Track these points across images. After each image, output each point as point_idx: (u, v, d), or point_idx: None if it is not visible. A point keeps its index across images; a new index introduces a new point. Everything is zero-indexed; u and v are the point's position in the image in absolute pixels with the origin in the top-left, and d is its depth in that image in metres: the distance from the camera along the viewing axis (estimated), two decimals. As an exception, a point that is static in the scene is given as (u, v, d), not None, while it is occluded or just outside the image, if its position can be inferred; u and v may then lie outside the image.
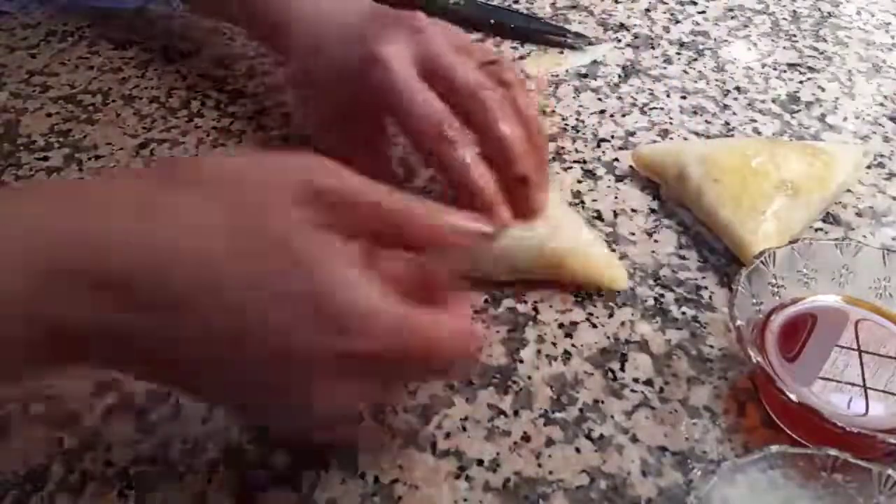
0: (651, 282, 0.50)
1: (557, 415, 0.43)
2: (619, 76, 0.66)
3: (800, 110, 0.63)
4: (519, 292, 0.49)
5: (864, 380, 0.42)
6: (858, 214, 0.54)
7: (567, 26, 0.71)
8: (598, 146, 0.60)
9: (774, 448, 0.37)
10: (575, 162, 0.58)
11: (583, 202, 0.55)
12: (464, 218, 0.38)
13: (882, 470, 0.36)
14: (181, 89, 0.65)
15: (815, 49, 0.70)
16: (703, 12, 0.75)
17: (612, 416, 0.43)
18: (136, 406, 0.43)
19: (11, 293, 0.30)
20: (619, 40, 0.71)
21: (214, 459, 0.41)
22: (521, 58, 0.69)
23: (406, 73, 0.46)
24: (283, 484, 0.40)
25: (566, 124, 0.61)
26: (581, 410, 0.43)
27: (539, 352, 0.46)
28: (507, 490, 0.40)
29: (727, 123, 0.62)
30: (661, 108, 0.63)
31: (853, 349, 0.43)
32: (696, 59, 0.68)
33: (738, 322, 0.42)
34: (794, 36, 0.72)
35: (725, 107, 0.63)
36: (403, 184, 0.55)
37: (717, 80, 0.66)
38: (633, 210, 0.55)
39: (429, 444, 0.42)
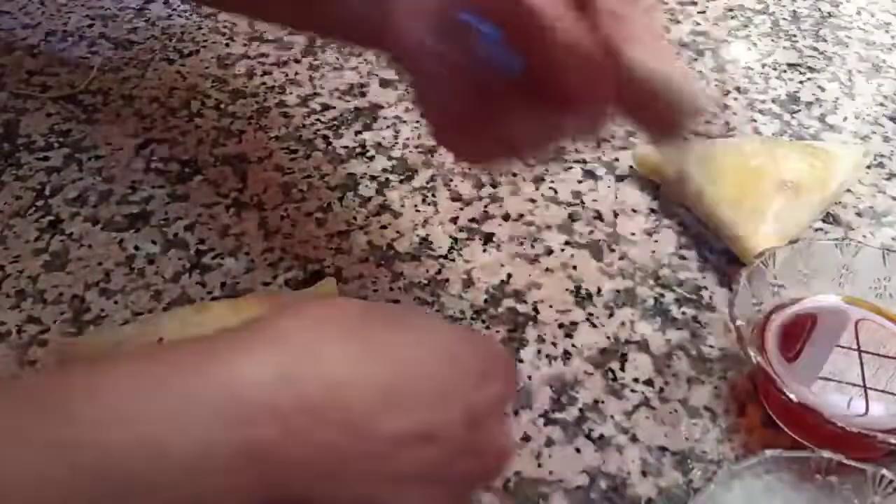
0: (651, 282, 0.50)
1: (557, 415, 0.43)
2: (619, 76, 0.66)
3: (800, 110, 0.63)
4: (519, 292, 0.49)
5: (864, 380, 0.42)
6: (858, 214, 0.54)
7: (567, 26, 0.71)
8: (598, 146, 0.60)
9: (769, 452, 0.37)
10: (575, 162, 0.58)
11: (583, 202, 0.55)
12: None
13: (876, 470, 0.36)
14: (181, 89, 0.65)
15: (815, 49, 0.70)
16: (703, 12, 0.75)
17: (612, 416, 0.43)
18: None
19: None
20: (619, 40, 0.70)
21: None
22: (521, 58, 0.68)
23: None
24: (283, 484, 0.40)
25: (566, 124, 0.61)
26: (581, 410, 0.43)
27: (539, 352, 0.46)
28: (507, 490, 0.40)
29: (727, 123, 0.62)
30: (661, 108, 0.63)
31: (853, 349, 0.43)
32: (696, 59, 0.68)
33: (738, 322, 0.42)
34: (794, 36, 0.72)
35: (725, 107, 0.63)
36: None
37: (717, 80, 0.66)
38: (633, 210, 0.55)
39: (429, 444, 0.42)
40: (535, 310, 0.48)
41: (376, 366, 0.30)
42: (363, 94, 0.64)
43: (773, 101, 0.64)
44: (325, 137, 0.60)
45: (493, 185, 0.56)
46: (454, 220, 0.54)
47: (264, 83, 0.65)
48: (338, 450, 0.28)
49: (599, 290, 0.50)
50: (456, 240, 0.53)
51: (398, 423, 0.29)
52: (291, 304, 0.31)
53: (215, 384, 0.27)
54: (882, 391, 0.42)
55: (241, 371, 0.28)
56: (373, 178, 0.57)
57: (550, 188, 0.56)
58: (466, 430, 0.31)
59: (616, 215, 0.54)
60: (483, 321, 0.48)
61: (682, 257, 0.52)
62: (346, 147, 0.59)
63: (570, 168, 0.58)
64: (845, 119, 0.62)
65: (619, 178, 0.57)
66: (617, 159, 0.58)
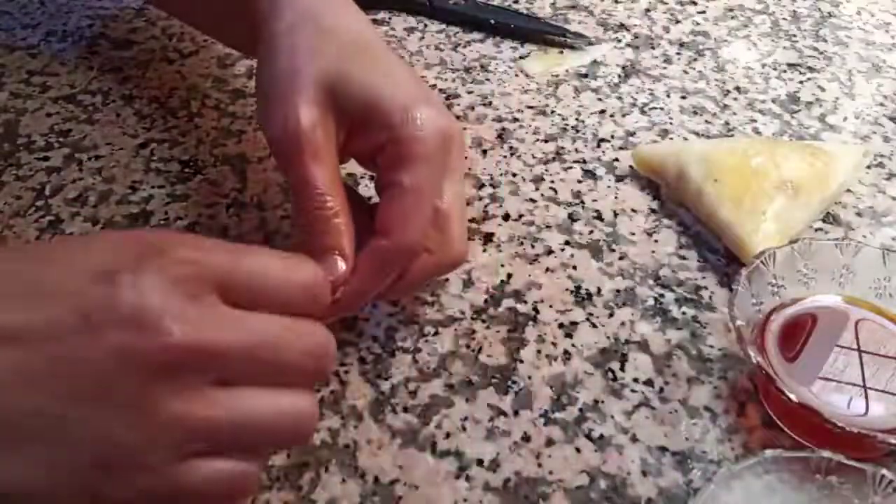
0: (651, 282, 0.50)
1: (557, 415, 0.43)
2: (619, 76, 0.66)
3: (800, 110, 0.63)
4: (519, 292, 0.49)
5: (864, 380, 0.42)
6: (858, 214, 0.54)
7: (567, 26, 0.71)
8: (598, 146, 0.60)
9: (769, 452, 0.37)
10: (575, 162, 0.58)
11: (583, 202, 0.55)
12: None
13: (876, 470, 0.36)
14: (181, 89, 0.65)
15: (815, 49, 0.70)
16: (703, 12, 0.75)
17: (612, 416, 0.43)
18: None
19: None
20: (619, 40, 0.71)
21: (214, 459, 0.41)
22: (521, 58, 0.69)
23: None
24: (283, 484, 0.40)
25: (566, 124, 0.61)
26: (581, 410, 0.43)
27: (539, 352, 0.46)
28: (507, 490, 0.40)
29: (727, 123, 0.62)
30: (661, 108, 0.63)
31: (853, 349, 0.43)
32: (696, 59, 0.68)
33: (738, 322, 0.42)
34: (794, 36, 0.72)
35: (725, 107, 0.63)
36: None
37: (717, 80, 0.66)
38: (633, 210, 0.55)
39: (429, 444, 0.42)
40: (535, 310, 0.48)
41: None
42: (363, 94, 0.64)
43: (773, 101, 0.64)
44: (325, 137, 0.60)
45: (494, 185, 0.56)
46: (454, 220, 0.54)
47: (264, 83, 0.65)
48: None
49: (599, 290, 0.50)
50: (456, 240, 0.52)
51: None
52: None
53: None
54: (882, 391, 0.42)
55: None
56: (372, 177, 0.57)
57: (550, 188, 0.56)
58: None
59: (616, 215, 0.54)
60: (483, 321, 0.48)
61: (682, 257, 0.52)
62: (346, 147, 0.59)
63: (570, 168, 0.58)
64: (845, 119, 0.62)
65: (619, 178, 0.57)
66: (617, 159, 0.58)
